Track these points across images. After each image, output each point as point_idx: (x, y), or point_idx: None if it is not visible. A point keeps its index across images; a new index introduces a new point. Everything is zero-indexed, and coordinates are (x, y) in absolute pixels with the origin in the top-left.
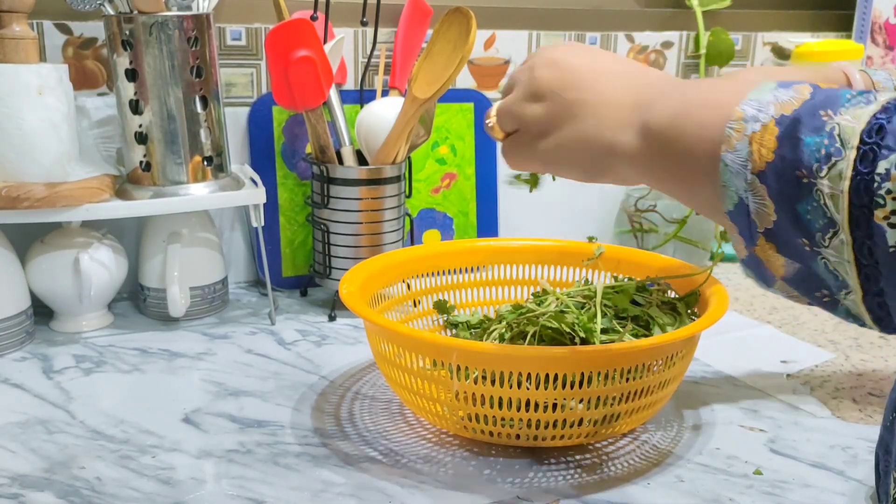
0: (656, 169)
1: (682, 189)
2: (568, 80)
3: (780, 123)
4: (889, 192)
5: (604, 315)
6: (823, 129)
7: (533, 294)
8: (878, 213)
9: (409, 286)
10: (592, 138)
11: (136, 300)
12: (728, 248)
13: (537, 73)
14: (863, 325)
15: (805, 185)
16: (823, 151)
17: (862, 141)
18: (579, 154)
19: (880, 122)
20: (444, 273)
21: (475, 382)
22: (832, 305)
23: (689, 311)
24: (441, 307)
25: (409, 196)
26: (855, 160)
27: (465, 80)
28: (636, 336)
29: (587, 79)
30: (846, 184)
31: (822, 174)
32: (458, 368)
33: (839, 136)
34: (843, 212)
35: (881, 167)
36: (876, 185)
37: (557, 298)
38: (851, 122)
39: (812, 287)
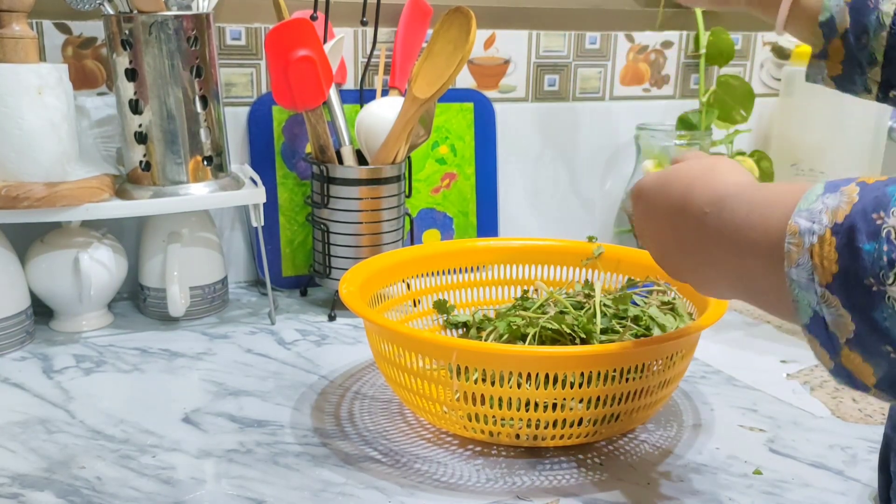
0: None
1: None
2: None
3: (836, 233)
4: None
5: (603, 315)
6: (880, 235)
7: (518, 298)
8: None
9: (409, 286)
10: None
11: (136, 300)
12: None
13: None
14: None
15: (876, 294)
16: (885, 259)
17: None
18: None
19: None
20: (444, 273)
21: (475, 382)
22: None
23: (688, 311)
24: (441, 307)
25: (409, 196)
26: None
27: (465, 79)
28: (636, 336)
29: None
30: None
31: (890, 281)
32: (458, 368)
33: None
34: None
35: None
36: None
37: (550, 297)
38: None
39: None
